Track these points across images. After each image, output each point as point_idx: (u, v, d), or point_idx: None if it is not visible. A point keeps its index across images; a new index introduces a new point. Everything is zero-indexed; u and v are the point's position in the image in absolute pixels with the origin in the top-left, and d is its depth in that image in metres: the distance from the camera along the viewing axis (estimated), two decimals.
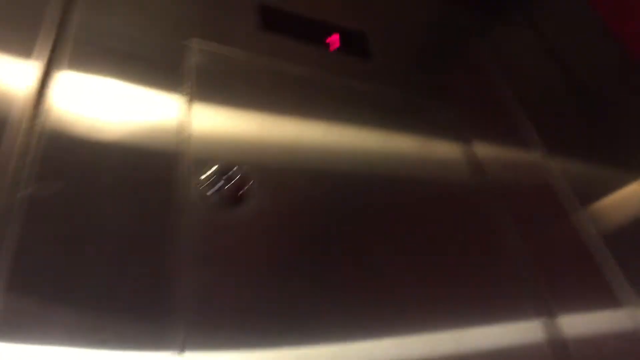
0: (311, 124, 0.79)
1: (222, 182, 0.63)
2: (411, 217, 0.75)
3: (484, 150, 0.88)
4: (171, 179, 0.63)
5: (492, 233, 0.78)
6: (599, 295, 0.76)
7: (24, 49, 0.65)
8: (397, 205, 0.75)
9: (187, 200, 0.61)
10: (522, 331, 0.68)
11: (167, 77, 0.72)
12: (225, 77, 0.77)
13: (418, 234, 0.73)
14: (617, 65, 1.11)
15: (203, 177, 0.64)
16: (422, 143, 0.85)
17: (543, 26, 1.22)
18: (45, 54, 0.66)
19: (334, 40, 0.93)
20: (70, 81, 0.65)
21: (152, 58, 0.74)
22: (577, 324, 0.71)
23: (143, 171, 0.63)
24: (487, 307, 0.69)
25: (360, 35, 0.97)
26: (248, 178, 0.65)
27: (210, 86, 0.75)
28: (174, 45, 0.76)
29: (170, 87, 0.72)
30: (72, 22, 0.71)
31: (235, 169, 0.64)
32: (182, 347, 0.53)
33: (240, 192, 0.63)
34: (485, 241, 0.76)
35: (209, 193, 0.63)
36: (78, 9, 0.73)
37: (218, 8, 0.87)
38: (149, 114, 0.67)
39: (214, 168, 0.64)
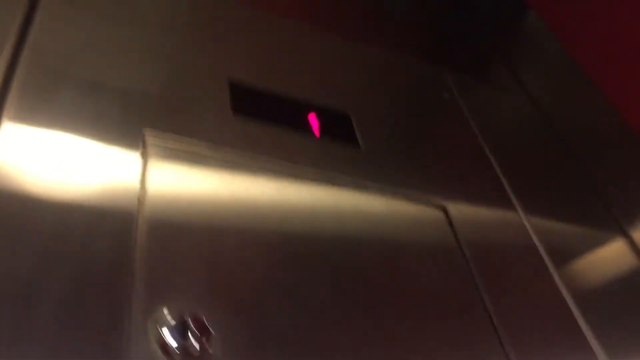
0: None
1: (179, 331, 0.50)
2: (383, 280, 0.69)
3: (459, 210, 0.82)
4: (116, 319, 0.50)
5: (464, 295, 0.72)
6: (571, 356, 0.73)
7: None
8: (370, 271, 0.69)
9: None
10: None
11: (116, 173, 0.60)
12: (184, 176, 0.65)
13: (389, 297, 0.67)
14: (604, 126, 1.09)
15: (157, 327, 0.51)
16: (396, 206, 0.78)
17: (528, 85, 1.18)
18: None
19: (314, 123, 0.82)
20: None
21: (100, 150, 0.62)
22: None
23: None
24: None
25: (343, 117, 0.86)
26: (207, 326, 0.52)
27: (165, 186, 0.62)
28: (124, 138, 0.64)
29: (119, 187, 0.59)
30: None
31: (193, 316, 0.51)
32: None
33: (201, 341, 0.50)
34: (457, 303, 0.71)
35: (165, 345, 0.50)
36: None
37: (180, 90, 0.75)
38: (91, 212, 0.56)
39: (168, 315, 0.51)
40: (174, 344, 0.50)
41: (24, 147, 0.58)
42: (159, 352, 0.49)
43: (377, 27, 1.14)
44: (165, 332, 0.50)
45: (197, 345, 0.50)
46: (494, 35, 1.31)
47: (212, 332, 0.51)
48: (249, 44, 0.89)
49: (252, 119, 0.76)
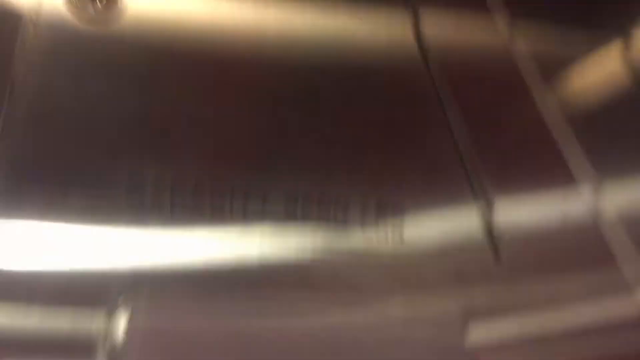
0: None
1: None
2: (350, 102, 0.64)
3: (434, 19, 0.74)
4: None
5: (435, 114, 0.67)
6: (555, 176, 0.65)
7: None
8: (332, 89, 0.64)
9: None
10: (463, 215, 0.60)
11: None
12: None
13: (354, 119, 0.63)
14: None
15: None
16: (362, 17, 0.72)
17: None
18: None
19: None
20: None
21: None
22: (523, 207, 0.62)
23: None
24: (428, 196, 0.60)
25: None
26: None
27: None
28: None
29: None
30: None
31: None
32: None
33: None
34: (428, 122, 0.66)
35: None
36: None
37: None
38: None
39: None
40: None
41: None
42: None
43: None
44: None
45: None
46: None
47: None
48: None
49: None
